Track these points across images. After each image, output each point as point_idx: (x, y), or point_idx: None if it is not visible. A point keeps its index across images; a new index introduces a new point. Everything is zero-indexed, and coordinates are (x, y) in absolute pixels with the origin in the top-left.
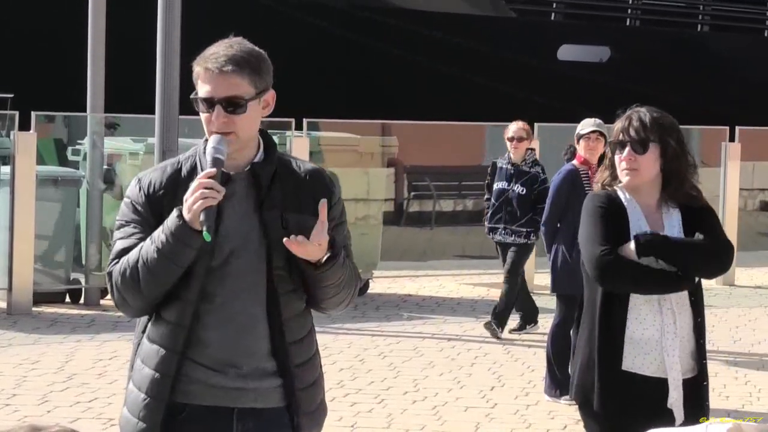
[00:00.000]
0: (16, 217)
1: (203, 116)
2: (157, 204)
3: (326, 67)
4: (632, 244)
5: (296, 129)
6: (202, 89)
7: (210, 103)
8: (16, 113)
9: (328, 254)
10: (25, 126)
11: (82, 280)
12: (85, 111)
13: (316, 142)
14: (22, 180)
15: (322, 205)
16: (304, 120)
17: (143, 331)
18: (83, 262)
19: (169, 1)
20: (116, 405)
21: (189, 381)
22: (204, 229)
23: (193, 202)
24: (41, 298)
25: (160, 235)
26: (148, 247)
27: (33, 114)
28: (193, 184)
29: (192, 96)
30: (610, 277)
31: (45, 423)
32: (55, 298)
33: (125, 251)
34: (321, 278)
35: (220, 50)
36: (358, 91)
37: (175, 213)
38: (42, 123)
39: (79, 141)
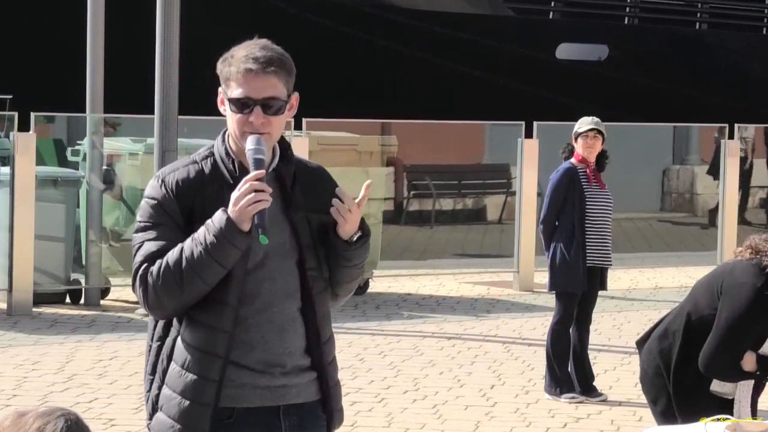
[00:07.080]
0: (16, 217)
1: (236, 116)
2: (186, 204)
3: (324, 66)
4: (754, 362)
5: (295, 129)
6: (237, 90)
7: (247, 103)
8: (15, 114)
9: (360, 233)
10: (24, 126)
11: (82, 281)
12: (84, 111)
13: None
14: (21, 180)
15: (342, 193)
16: (303, 120)
17: (168, 335)
18: (83, 263)
19: (168, 1)
20: (117, 405)
21: (235, 385)
22: (259, 232)
23: (246, 203)
24: (41, 298)
25: (205, 235)
26: (191, 248)
27: (32, 114)
28: (243, 186)
29: (229, 96)
30: (715, 376)
31: (30, 407)
32: (56, 299)
33: (159, 253)
34: (351, 256)
35: (256, 51)
36: (356, 90)
37: (221, 214)
38: (41, 123)
39: (78, 141)
